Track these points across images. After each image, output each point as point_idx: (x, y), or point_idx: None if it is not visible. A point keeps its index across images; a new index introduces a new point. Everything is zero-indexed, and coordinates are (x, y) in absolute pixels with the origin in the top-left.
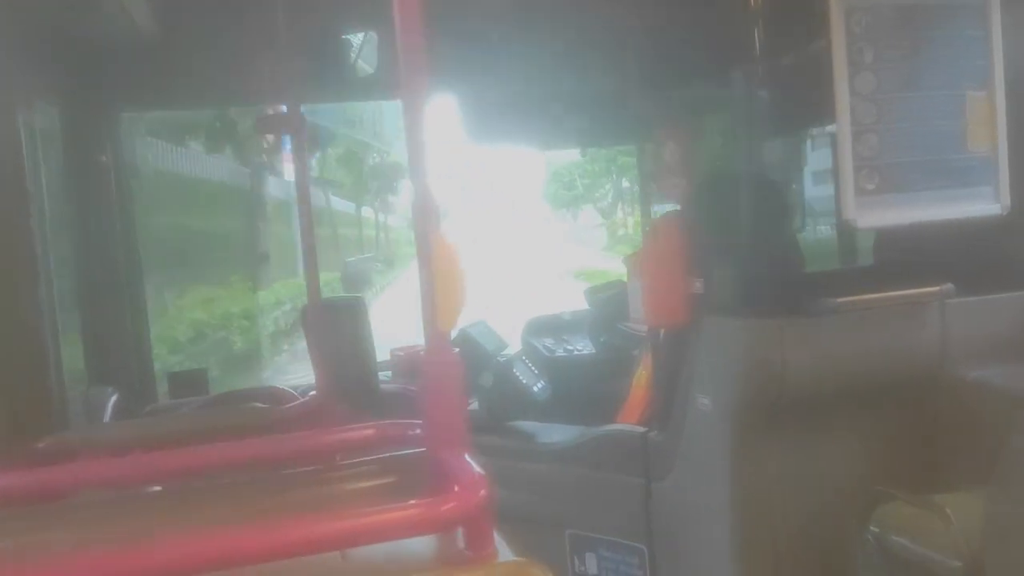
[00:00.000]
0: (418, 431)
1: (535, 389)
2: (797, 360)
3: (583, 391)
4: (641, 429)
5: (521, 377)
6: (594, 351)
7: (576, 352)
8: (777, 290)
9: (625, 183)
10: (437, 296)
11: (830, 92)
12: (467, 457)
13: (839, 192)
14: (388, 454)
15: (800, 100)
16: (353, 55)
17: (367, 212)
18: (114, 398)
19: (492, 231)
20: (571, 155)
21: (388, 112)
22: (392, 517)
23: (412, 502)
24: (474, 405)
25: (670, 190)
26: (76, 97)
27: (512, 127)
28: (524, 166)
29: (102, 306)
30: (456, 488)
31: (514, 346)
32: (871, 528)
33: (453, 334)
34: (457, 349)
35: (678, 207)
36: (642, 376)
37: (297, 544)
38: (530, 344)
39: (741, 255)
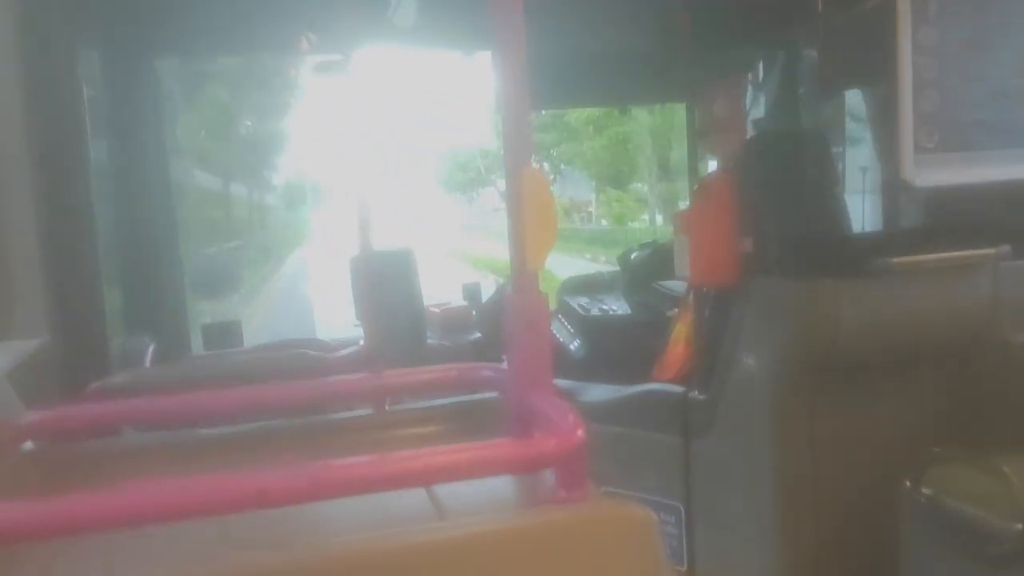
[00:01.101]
0: (493, 373)
1: (571, 348)
2: (850, 321)
3: (618, 350)
4: (681, 388)
5: (557, 335)
6: (629, 311)
7: (611, 311)
8: (830, 250)
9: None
10: (525, 232)
11: (891, 46)
12: (558, 398)
13: (897, 150)
14: (455, 398)
15: (859, 54)
16: (397, 3)
17: (239, 189)
18: (151, 348)
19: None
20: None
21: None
22: (488, 454)
23: (509, 440)
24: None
25: (720, 148)
26: (114, 43)
27: (559, 85)
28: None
29: (140, 255)
30: (553, 426)
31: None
32: (923, 490)
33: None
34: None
35: (727, 165)
36: (681, 332)
37: (393, 477)
38: (566, 303)
39: (793, 214)
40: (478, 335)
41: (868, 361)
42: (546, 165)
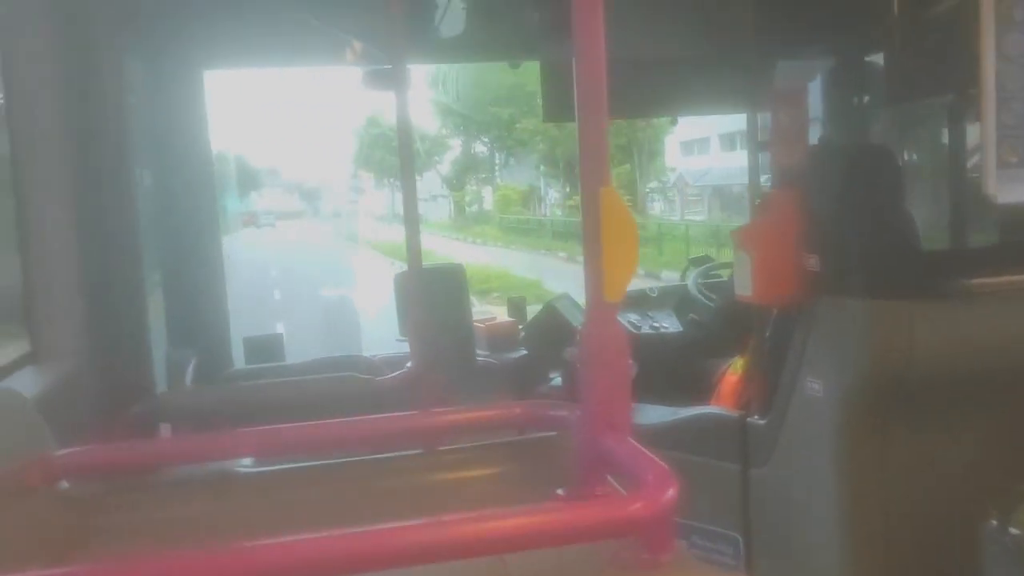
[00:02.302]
0: (564, 413)
1: None
2: (925, 344)
3: (670, 370)
4: (739, 413)
5: None
6: (681, 329)
7: (663, 329)
8: (903, 269)
9: (481, 146)
10: (604, 260)
11: (973, 54)
12: (638, 444)
13: (983, 165)
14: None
15: (935, 62)
16: (445, 14)
17: None
18: (193, 362)
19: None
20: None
21: None
22: (565, 519)
23: (587, 502)
24: (556, 380)
25: (784, 160)
26: (162, 54)
27: (620, 95)
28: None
29: (183, 269)
30: (637, 480)
31: None
32: (1011, 530)
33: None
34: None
35: (791, 178)
36: (743, 361)
37: (458, 545)
38: None
39: (863, 231)
40: (524, 352)
41: (945, 387)
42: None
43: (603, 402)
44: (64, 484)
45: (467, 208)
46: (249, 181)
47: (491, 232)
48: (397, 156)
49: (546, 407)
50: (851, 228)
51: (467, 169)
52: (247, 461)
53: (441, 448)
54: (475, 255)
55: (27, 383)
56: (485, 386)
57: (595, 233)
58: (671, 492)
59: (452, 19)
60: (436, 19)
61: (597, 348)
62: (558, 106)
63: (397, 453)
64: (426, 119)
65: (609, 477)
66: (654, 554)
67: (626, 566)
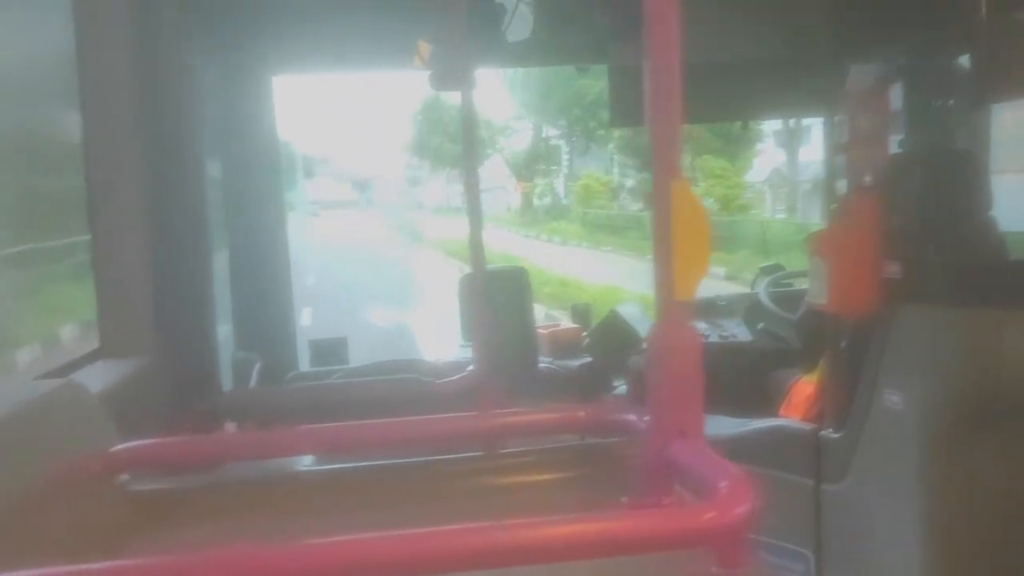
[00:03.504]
0: (631, 418)
1: None
2: (1016, 355)
3: (739, 380)
4: (812, 426)
5: None
6: (751, 338)
7: (731, 338)
8: (991, 277)
9: (555, 130)
10: (674, 256)
11: None
12: (712, 452)
13: None
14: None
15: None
16: (512, 18)
17: None
18: (259, 364)
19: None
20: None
21: None
22: (635, 526)
23: (661, 508)
24: (621, 388)
25: (863, 164)
26: (235, 61)
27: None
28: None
29: (250, 272)
30: (710, 489)
31: None
32: None
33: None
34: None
35: (871, 183)
36: (817, 372)
37: (520, 550)
38: None
39: (948, 237)
40: (587, 359)
41: None
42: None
43: (673, 407)
44: (124, 478)
45: (536, 200)
46: (299, 170)
47: (571, 229)
48: (456, 143)
49: (612, 411)
50: (936, 234)
51: (537, 157)
52: (307, 460)
53: (503, 451)
54: (560, 258)
55: (95, 378)
56: (548, 393)
57: (665, 230)
58: (748, 501)
59: (519, 23)
60: (504, 24)
61: (667, 350)
62: (626, 111)
63: (457, 455)
64: (493, 100)
65: (677, 487)
66: (727, 568)
67: None
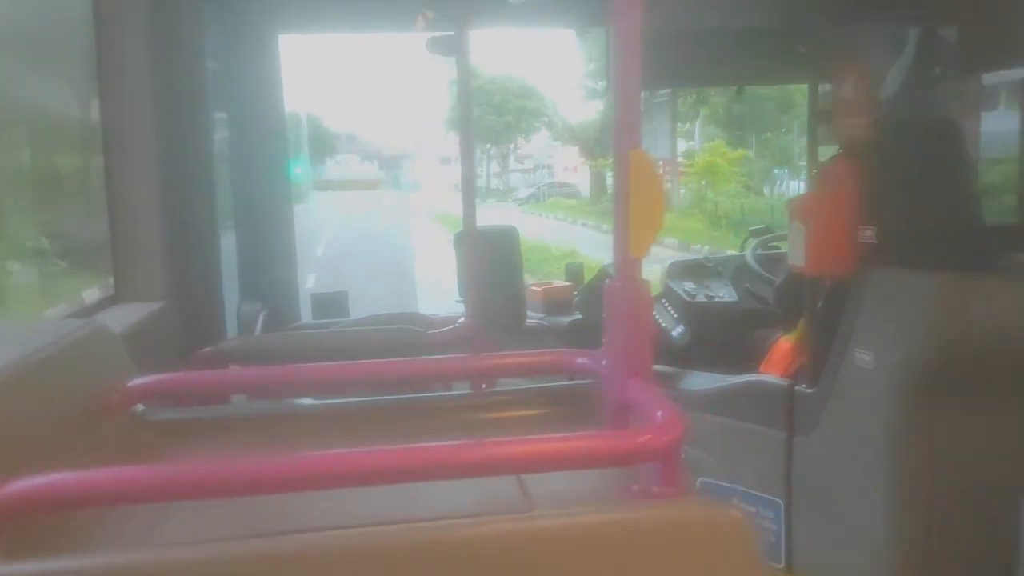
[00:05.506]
0: (589, 360)
1: (674, 334)
2: (981, 319)
3: (722, 338)
4: (787, 381)
5: (660, 321)
6: (736, 299)
7: (717, 299)
8: (961, 243)
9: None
10: (630, 218)
11: None
12: (655, 387)
13: None
14: (553, 383)
15: (1012, 36)
16: None
17: None
18: (263, 315)
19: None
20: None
21: None
22: (582, 445)
23: (604, 432)
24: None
25: (844, 132)
26: (241, 18)
27: (675, 64)
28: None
29: (255, 227)
30: (656, 417)
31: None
32: None
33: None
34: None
35: (851, 150)
36: (796, 331)
37: (486, 464)
38: (670, 288)
39: (921, 204)
40: (578, 316)
41: (998, 363)
42: None
43: (625, 350)
44: (140, 408)
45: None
46: (324, 147)
47: (694, 227)
48: (495, 115)
49: (574, 355)
50: (912, 201)
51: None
52: (307, 401)
53: (488, 390)
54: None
55: (112, 320)
56: (535, 346)
57: (623, 194)
58: (678, 428)
59: None
60: None
61: (621, 300)
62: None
63: (444, 393)
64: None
65: (632, 419)
66: (662, 486)
67: (633, 495)
